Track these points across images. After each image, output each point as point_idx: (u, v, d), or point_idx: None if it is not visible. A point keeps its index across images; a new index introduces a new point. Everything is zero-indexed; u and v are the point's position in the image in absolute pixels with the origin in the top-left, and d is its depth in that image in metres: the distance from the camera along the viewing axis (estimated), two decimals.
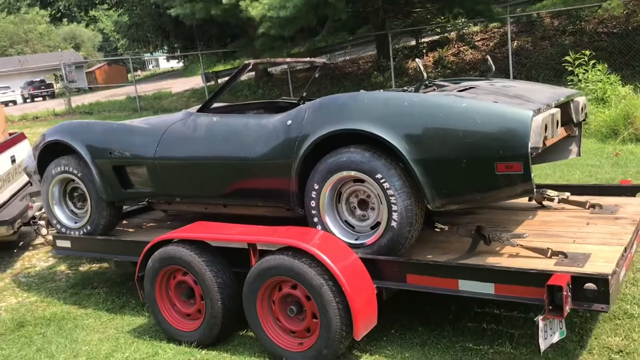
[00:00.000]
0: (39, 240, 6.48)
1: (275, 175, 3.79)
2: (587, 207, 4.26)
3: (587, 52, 10.26)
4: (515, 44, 15.90)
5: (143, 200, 4.76)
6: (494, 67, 4.57)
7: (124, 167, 4.54)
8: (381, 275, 3.41)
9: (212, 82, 23.31)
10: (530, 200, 4.46)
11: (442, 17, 18.87)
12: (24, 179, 6.66)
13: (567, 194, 4.38)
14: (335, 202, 3.65)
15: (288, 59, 5.36)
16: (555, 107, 3.47)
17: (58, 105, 26.79)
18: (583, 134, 9.19)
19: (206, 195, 4.26)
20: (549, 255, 3.30)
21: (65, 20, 39.49)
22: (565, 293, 2.75)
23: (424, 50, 19.59)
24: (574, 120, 4.02)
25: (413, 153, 3.25)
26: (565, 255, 3.28)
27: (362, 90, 3.90)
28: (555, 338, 2.92)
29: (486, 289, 3.12)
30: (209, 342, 3.78)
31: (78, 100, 26.78)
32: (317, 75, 5.33)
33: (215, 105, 4.64)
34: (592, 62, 10.16)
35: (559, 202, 4.36)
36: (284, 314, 3.52)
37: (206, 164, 4.09)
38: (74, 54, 56.31)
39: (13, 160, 6.52)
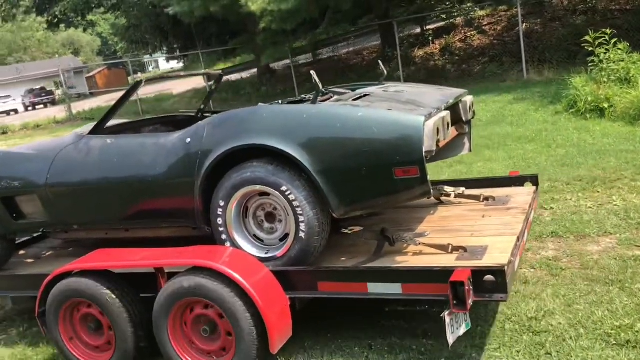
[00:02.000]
0: None
1: (178, 194, 3.71)
2: (481, 200, 4.51)
3: (608, 31, 9.46)
4: (524, 26, 15.16)
5: (37, 230, 4.49)
6: (385, 71, 4.71)
7: (13, 197, 4.26)
8: (293, 286, 3.43)
9: (213, 82, 22.35)
10: (429, 197, 4.66)
11: (448, 2, 18.08)
12: None
13: (462, 189, 4.61)
14: (242, 217, 3.63)
15: (182, 73, 5.27)
16: (445, 109, 3.65)
17: (59, 112, 25.67)
18: (609, 117, 8.80)
19: (106, 220, 4.10)
20: (450, 251, 3.47)
21: (62, 26, 37.99)
22: (467, 287, 2.91)
23: (430, 38, 18.80)
24: (463, 119, 4.25)
25: (315, 164, 3.30)
26: (465, 249, 3.46)
27: (260, 104, 3.90)
28: (462, 331, 3.08)
29: (394, 289, 3.23)
30: None
31: (79, 106, 25.90)
32: (214, 88, 5.26)
33: (110, 124, 4.45)
34: (613, 40, 9.40)
35: (455, 197, 4.59)
36: (198, 335, 3.46)
37: (104, 188, 3.93)
38: (73, 59, 54.76)
39: None
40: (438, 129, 3.36)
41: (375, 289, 3.27)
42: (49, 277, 3.74)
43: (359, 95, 3.83)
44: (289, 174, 3.37)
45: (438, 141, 3.36)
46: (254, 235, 3.66)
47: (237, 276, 3.25)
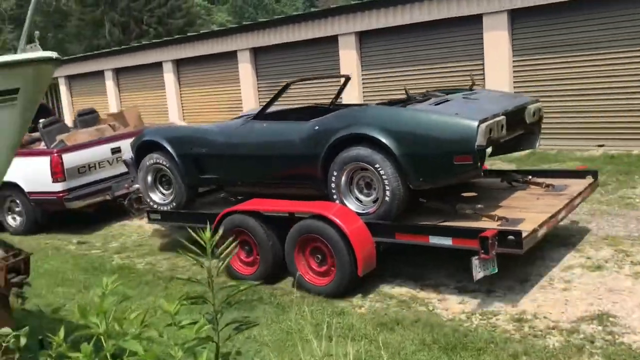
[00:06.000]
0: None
1: (308, 165, 5.37)
2: (543, 186, 5.69)
3: None
4: None
5: (214, 184, 6.44)
6: (474, 81, 5.99)
7: (200, 159, 6.21)
8: (378, 233, 4.97)
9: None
10: (502, 181, 5.94)
11: None
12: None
13: (530, 176, 5.81)
14: (349, 184, 5.21)
15: (318, 76, 6.93)
16: (503, 114, 4.90)
17: None
18: None
19: (260, 180, 5.90)
20: (495, 220, 4.78)
21: None
22: (490, 241, 4.25)
23: None
24: (527, 122, 5.43)
25: (400, 149, 4.76)
26: (507, 219, 4.75)
27: (370, 104, 5.42)
28: (488, 272, 4.40)
29: (447, 241, 4.64)
30: (262, 281, 5.42)
31: None
32: (343, 87, 6.86)
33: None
34: None
35: (523, 183, 5.80)
36: (313, 260, 5.13)
37: (260, 157, 5.72)
38: None
39: (116, 151, 8.45)
40: (491, 130, 4.65)
41: (434, 240, 4.71)
42: (221, 213, 5.62)
43: (440, 101, 5.21)
44: (381, 156, 4.87)
45: (490, 138, 4.65)
46: (356, 197, 5.22)
47: (341, 223, 4.85)
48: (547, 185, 5.68)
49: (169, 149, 6.35)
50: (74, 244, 7.92)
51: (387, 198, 4.92)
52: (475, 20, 10.90)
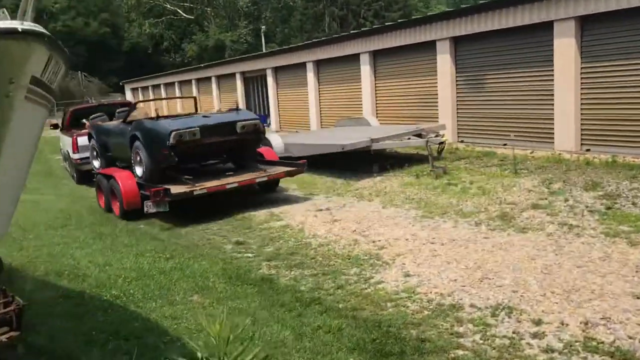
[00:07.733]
0: None
1: (128, 150, 9.55)
2: (265, 170, 9.19)
3: None
4: None
5: (115, 160, 10.94)
6: (237, 105, 9.60)
7: (105, 144, 10.76)
8: (142, 188, 9.02)
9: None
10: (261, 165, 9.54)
11: None
12: None
13: (270, 164, 9.37)
14: (138, 160, 9.29)
15: (171, 96, 10.99)
16: (198, 127, 8.56)
17: None
18: None
19: (123, 158, 10.25)
20: (189, 184, 8.54)
21: None
22: (153, 193, 8.11)
23: None
24: (238, 131, 8.95)
25: (146, 142, 8.74)
26: (195, 184, 8.49)
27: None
28: (161, 209, 8.23)
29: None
30: (109, 211, 9.80)
31: None
32: (195, 106, 10.81)
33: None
34: None
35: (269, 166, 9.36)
36: (117, 201, 9.37)
37: (118, 145, 10.07)
38: None
39: None
40: (181, 135, 8.40)
41: (174, 190, 8.60)
42: (98, 173, 10.15)
43: (182, 116, 9.04)
44: (141, 146, 8.89)
45: (181, 141, 8.40)
46: (141, 168, 9.28)
47: (120, 182, 9.05)
48: (265, 170, 9.20)
49: (94, 136, 11.02)
50: (231, 243, 7.57)
51: (145, 169, 8.96)
52: None
